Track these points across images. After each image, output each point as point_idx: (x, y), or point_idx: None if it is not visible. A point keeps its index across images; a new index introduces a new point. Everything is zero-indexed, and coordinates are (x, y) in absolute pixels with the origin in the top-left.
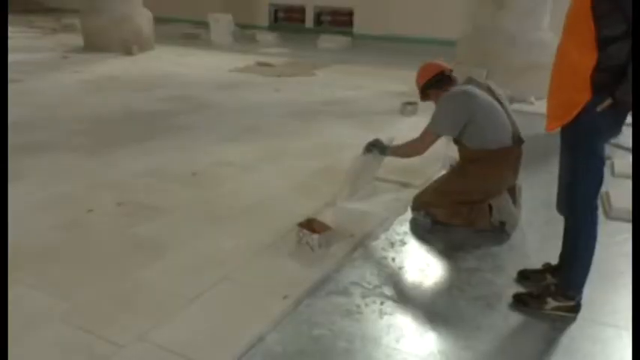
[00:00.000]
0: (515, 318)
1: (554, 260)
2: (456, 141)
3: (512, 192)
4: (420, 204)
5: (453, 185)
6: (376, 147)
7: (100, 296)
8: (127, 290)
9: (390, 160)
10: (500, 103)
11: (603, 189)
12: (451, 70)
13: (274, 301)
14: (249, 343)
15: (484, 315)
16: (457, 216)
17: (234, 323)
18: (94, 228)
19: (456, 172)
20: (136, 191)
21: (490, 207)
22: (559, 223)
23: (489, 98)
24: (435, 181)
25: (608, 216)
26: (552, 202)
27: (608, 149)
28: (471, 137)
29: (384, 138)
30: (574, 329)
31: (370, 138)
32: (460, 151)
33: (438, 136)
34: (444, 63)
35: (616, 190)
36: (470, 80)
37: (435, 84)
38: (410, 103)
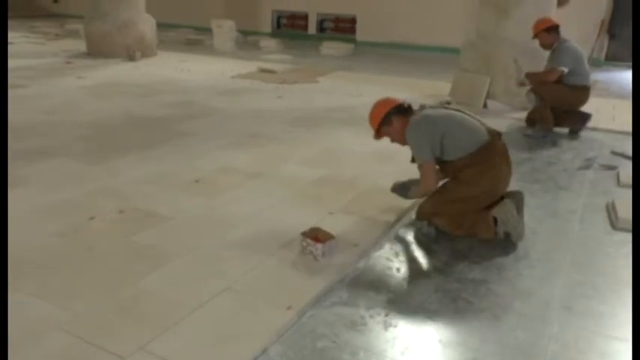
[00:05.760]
0: (523, 331)
1: (561, 271)
2: (440, 162)
3: (519, 201)
4: (423, 214)
5: (453, 194)
6: (397, 192)
7: (101, 305)
8: (128, 299)
9: (396, 168)
10: (459, 111)
11: (609, 199)
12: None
13: (277, 312)
14: (251, 355)
15: (491, 327)
16: (459, 227)
17: (237, 334)
18: (96, 235)
19: (453, 181)
20: (138, 198)
21: (495, 220)
22: (565, 233)
23: (446, 111)
24: (436, 192)
25: (615, 227)
26: (557, 212)
27: (614, 159)
28: (450, 151)
29: (402, 180)
30: (582, 342)
31: (373, 142)
32: (447, 169)
33: (433, 163)
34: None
35: (622, 201)
36: (423, 107)
37: (398, 112)
38: None
